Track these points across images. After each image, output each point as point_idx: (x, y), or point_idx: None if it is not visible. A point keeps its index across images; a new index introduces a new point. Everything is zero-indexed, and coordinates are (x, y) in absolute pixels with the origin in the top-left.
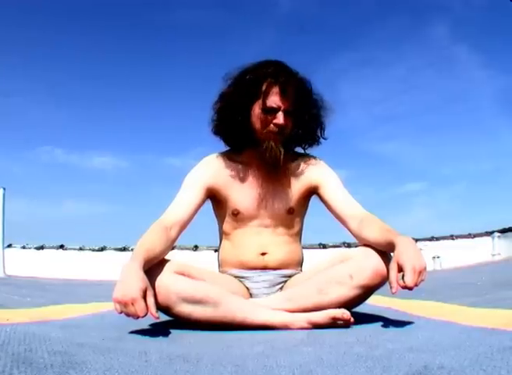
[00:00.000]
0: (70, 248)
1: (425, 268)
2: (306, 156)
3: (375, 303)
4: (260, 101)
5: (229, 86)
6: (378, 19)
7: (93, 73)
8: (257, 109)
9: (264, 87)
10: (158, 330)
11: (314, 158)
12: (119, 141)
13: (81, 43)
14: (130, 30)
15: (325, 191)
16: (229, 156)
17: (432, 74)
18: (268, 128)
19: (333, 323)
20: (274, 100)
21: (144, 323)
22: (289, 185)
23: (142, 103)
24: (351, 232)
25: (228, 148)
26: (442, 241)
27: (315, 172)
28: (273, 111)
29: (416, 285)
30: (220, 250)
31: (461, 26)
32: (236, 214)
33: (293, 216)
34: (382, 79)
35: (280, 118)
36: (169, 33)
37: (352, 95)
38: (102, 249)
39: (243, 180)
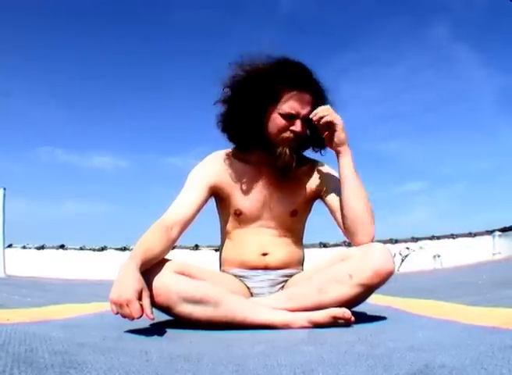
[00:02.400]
0: (71, 248)
1: (337, 120)
2: (312, 160)
3: (376, 302)
4: (277, 106)
5: (243, 83)
6: (378, 18)
7: (93, 73)
8: (273, 113)
9: (283, 92)
10: (158, 330)
11: (321, 162)
12: (119, 141)
13: (81, 43)
14: (130, 30)
15: (328, 197)
16: (235, 155)
17: (432, 74)
18: (285, 134)
19: (334, 322)
20: (293, 106)
21: (145, 323)
22: (294, 188)
23: (142, 103)
24: (354, 244)
25: (234, 146)
26: (442, 240)
27: (320, 176)
28: (291, 117)
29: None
30: (221, 249)
31: (461, 25)
32: (238, 214)
33: (296, 219)
34: (383, 78)
35: (298, 125)
36: (169, 33)
37: (352, 95)
38: (103, 249)
39: (247, 180)
